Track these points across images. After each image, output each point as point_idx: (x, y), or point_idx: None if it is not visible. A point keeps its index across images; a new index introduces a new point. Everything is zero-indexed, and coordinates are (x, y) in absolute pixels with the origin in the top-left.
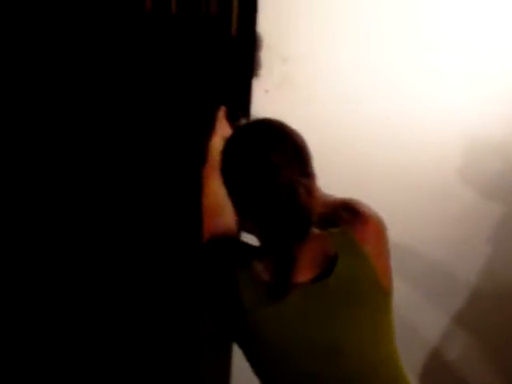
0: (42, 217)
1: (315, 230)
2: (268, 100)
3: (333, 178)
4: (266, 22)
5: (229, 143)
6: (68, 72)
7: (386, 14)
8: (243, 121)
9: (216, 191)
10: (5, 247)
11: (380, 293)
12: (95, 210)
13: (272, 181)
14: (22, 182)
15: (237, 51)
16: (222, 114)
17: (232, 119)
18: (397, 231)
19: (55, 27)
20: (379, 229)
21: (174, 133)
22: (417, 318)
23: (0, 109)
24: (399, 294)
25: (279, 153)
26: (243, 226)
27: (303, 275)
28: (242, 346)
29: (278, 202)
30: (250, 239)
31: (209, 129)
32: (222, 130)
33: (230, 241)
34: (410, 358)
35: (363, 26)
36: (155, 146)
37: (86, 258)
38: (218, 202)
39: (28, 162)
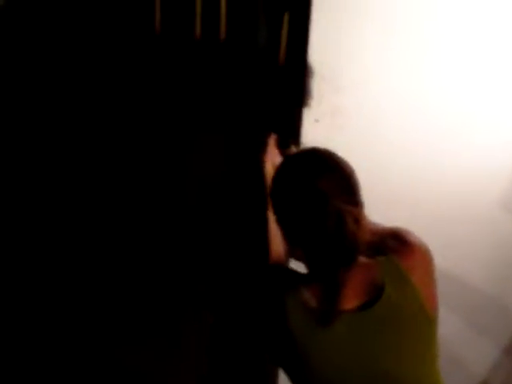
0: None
1: (362, 258)
2: (318, 129)
3: (380, 207)
4: (318, 52)
5: (278, 172)
6: (120, 100)
7: (443, 43)
8: (293, 148)
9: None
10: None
11: (425, 321)
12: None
13: (320, 209)
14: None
15: (285, 80)
16: (272, 141)
17: (282, 146)
18: (445, 263)
19: (107, 59)
20: (426, 258)
21: (225, 159)
22: (465, 351)
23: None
24: (448, 327)
25: (327, 181)
26: (292, 252)
27: (350, 303)
28: (288, 372)
29: (326, 230)
30: (298, 267)
31: (259, 156)
32: (273, 158)
33: (278, 268)
34: None
35: (419, 56)
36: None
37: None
38: (269, 229)
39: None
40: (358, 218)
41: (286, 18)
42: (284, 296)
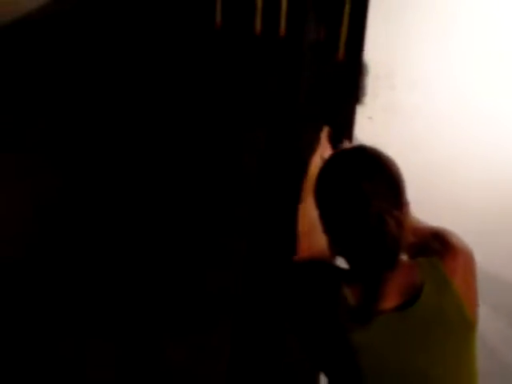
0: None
1: (404, 259)
2: (371, 127)
3: (430, 203)
4: (374, 50)
5: (324, 169)
6: (180, 93)
7: (505, 43)
8: (346, 143)
9: (312, 211)
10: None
11: (465, 324)
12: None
13: (362, 210)
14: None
15: (342, 77)
16: (324, 134)
17: (334, 141)
18: (483, 261)
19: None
20: (468, 261)
21: (280, 152)
22: (505, 349)
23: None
24: (487, 326)
25: (372, 182)
26: (333, 248)
27: (388, 303)
28: (328, 374)
29: (367, 231)
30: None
31: (311, 148)
32: (323, 151)
33: (321, 263)
34: None
35: (479, 55)
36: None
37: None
38: (313, 222)
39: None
40: (401, 220)
41: (345, 16)
42: (334, 291)
